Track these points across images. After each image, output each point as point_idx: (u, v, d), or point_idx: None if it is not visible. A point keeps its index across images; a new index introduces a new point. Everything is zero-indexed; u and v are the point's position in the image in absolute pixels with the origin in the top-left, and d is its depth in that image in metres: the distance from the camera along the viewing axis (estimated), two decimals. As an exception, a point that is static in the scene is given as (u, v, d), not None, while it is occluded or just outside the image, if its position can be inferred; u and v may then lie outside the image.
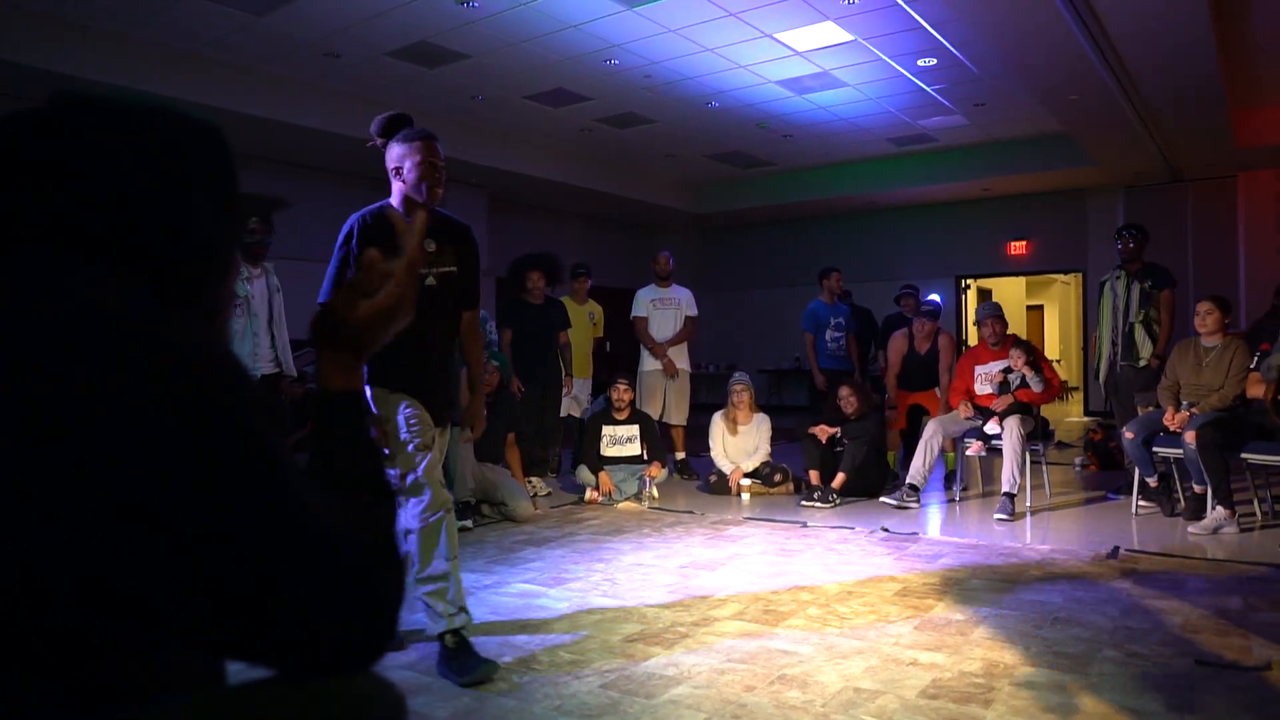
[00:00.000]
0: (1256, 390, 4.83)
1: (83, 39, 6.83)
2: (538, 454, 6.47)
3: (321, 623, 0.75)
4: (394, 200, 2.93)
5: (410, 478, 2.81)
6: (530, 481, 6.11)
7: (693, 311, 7.27)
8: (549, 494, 6.30)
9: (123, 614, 0.70)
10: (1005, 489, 5.37)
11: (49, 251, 0.79)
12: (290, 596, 0.73)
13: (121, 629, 0.71)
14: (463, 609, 2.86)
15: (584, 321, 7.19)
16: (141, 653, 0.74)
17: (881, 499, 5.82)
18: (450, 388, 3.13)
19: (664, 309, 7.17)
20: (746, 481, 6.27)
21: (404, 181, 2.87)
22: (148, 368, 0.70)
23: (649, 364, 7.11)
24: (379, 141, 2.92)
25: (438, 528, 2.85)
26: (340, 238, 2.91)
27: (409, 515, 2.83)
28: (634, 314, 7.21)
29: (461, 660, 2.74)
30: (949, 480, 6.52)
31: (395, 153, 2.87)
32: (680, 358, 7.16)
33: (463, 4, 6.68)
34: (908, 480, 5.79)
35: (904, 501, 5.69)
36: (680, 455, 7.19)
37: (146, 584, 0.69)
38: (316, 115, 8.58)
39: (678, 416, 7.15)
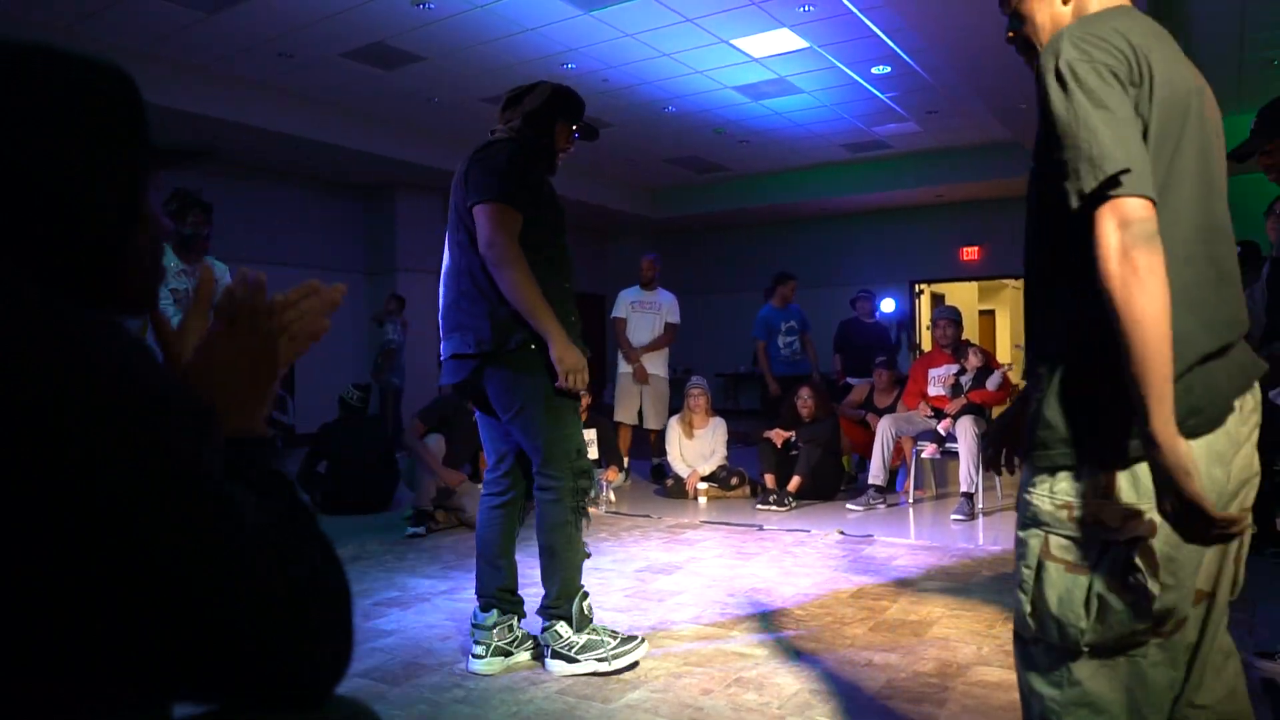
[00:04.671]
0: None
1: (23, 33, 6.64)
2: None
3: (270, 647, 0.67)
4: None
5: None
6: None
7: (674, 318, 7.14)
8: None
9: (46, 661, 0.61)
10: (963, 489, 5.45)
11: None
12: (231, 618, 0.64)
13: (48, 678, 0.62)
14: None
15: None
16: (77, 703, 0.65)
17: (847, 505, 5.86)
18: None
19: (643, 312, 7.06)
20: (703, 485, 6.29)
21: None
22: (48, 370, 0.61)
23: (624, 366, 7.01)
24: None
25: None
26: None
27: None
28: (613, 314, 7.14)
29: None
30: (892, 482, 6.60)
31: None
32: (657, 364, 7.03)
33: (418, 6, 6.63)
34: (870, 481, 5.85)
35: (870, 503, 5.75)
36: (656, 460, 7.14)
37: (72, 618, 0.60)
38: (269, 116, 8.46)
39: (655, 421, 7.05)
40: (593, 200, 12.62)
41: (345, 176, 10.81)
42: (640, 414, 7.03)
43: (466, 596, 3.72)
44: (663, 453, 7.18)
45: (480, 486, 5.46)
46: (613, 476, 6.09)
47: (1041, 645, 1.38)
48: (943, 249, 13.10)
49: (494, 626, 2.81)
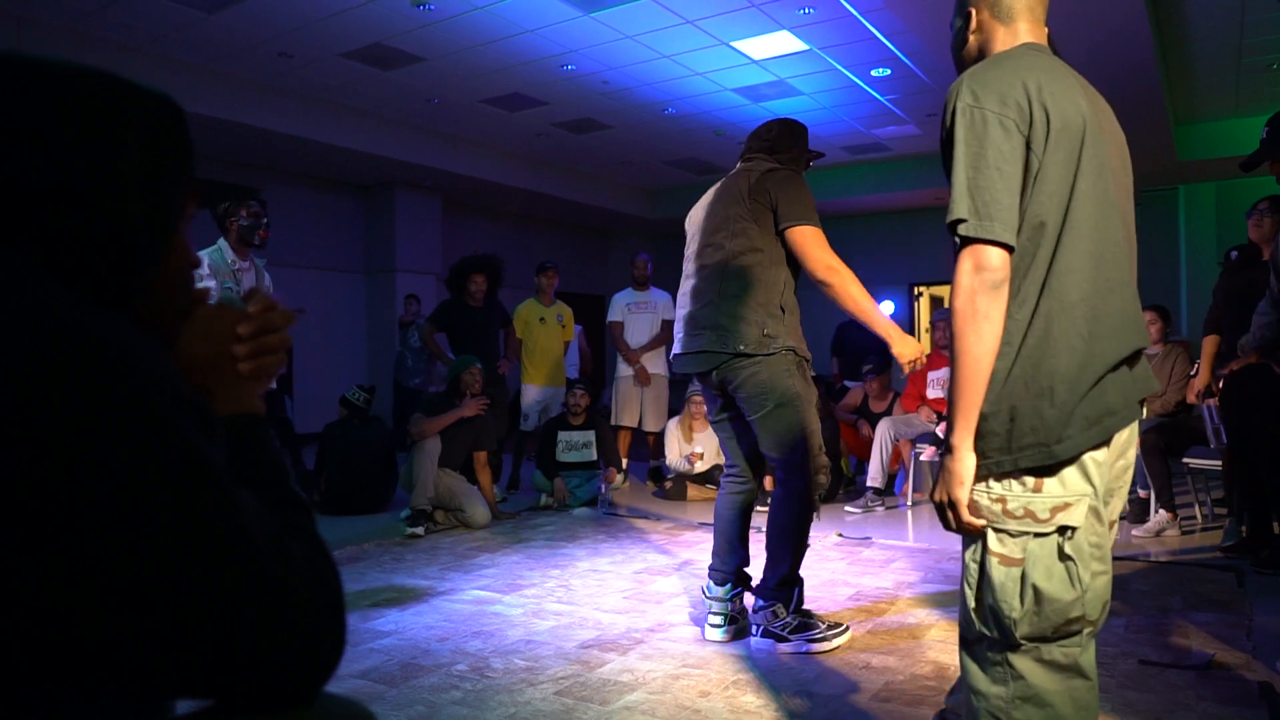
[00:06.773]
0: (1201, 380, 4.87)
1: (18, 31, 6.63)
2: (490, 459, 6.40)
3: (273, 643, 0.67)
4: None
5: None
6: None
7: (670, 316, 7.14)
8: (504, 500, 6.26)
9: (46, 658, 0.61)
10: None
11: None
12: (236, 615, 0.65)
13: (44, 676, 0.62)
14: None
15: (551, 324, 6.81)
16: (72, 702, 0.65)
17: (845, 508, 5.86)
18: None
19: (640, 313, 7.00)
20: (700, 486, 6.29)
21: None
22: (62, 368, 0.62)
23: (624, 370, 6.93)
24: None
25: None
26: None
27: None
28: (610, 318, 7.08)
29: None
30: (891, 485, 6.60)
31: None
32: (657, 363, 6.98)
33: (418, 6, 6.63)
34: (868, 483, 5.86)
35: (869, 506, 5.75)
36: (654, 462, 7.11)
37: (75, 617, 0.61)
38: (269, 116, 8.45)
39: (654, 423, 6.99)
40: (592, 201, 12.62)
41: (345, 176, 10.81)
42: (640, 416, 7.01)
43: (465, 597, 3.72)
44: (661, 455, 7.17)
45: (475, 488, 5.51)
46: (613, 478, 6.09)
47: (984, 643, 1.46)
48: (942, 251, 13.09)
49: (730, 598, 3.09)
